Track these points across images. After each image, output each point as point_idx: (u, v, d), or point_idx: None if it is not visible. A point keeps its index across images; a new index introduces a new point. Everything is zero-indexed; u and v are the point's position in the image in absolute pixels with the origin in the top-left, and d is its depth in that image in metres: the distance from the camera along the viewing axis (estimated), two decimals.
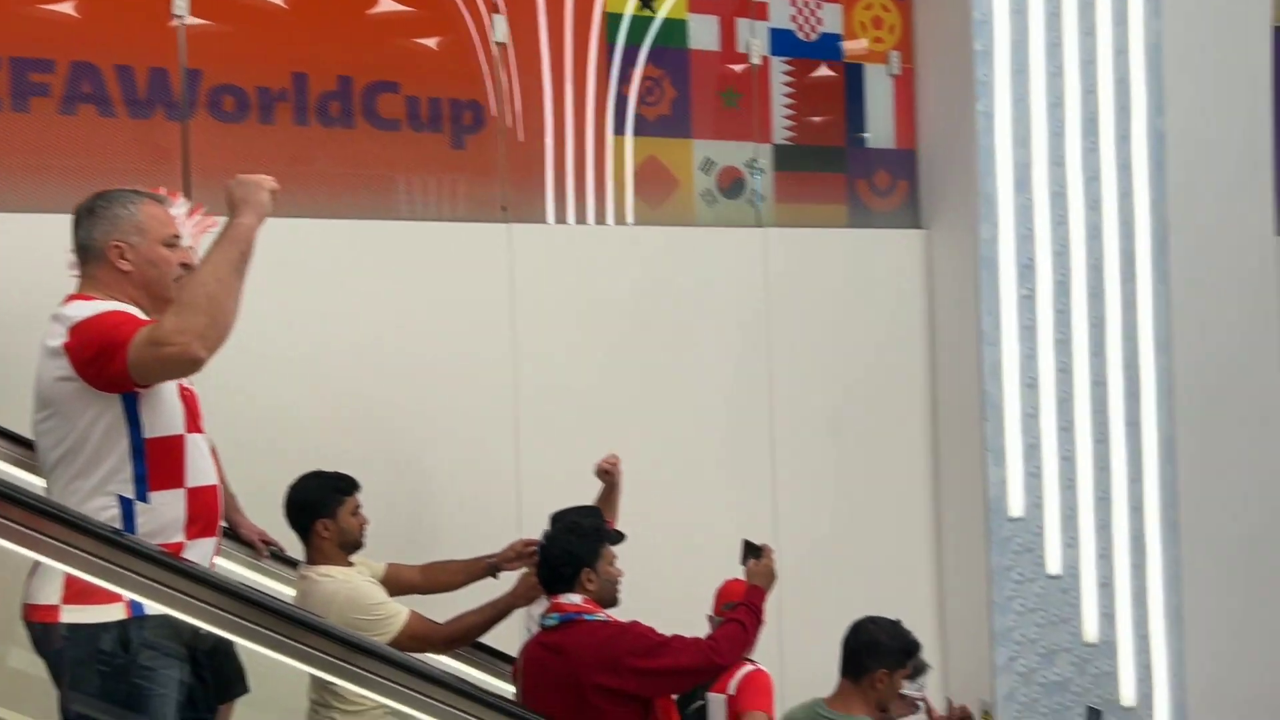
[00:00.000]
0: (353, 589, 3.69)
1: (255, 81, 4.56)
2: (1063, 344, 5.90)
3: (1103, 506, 5.99)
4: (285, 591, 3.82)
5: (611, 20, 5.31)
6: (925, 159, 6.05)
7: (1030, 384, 5.83)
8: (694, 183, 5.52)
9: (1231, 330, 6.26)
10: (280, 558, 3.95)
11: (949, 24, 5.86)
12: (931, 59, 6.00)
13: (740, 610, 3.68)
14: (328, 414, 4.48)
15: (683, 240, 5.41)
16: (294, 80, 4.63)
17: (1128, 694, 6.04)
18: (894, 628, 4.09)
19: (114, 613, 2.74)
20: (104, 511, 2.76)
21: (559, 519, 3.75)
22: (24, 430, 3.13)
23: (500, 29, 5.02)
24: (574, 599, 3.53)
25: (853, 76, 5.98)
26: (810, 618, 5.02)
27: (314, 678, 3.47)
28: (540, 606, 3.71)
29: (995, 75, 5.75)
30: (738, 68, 5.65)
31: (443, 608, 3.85)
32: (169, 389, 2.84)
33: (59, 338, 2.78)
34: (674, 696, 3.70)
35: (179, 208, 3.52)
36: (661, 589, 4.24)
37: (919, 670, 4.29)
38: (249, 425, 4.07)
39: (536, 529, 3.79)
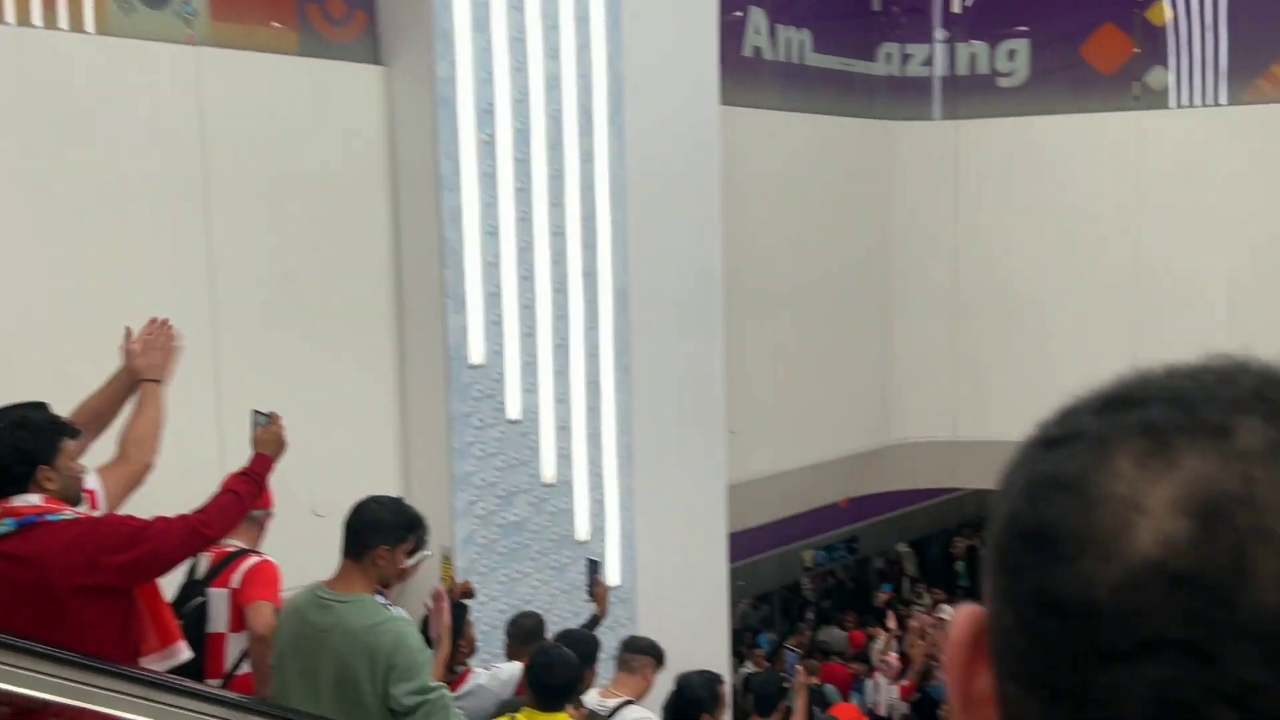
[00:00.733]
0: None
1: None
2: (523, 193, 5.94)
3: (561, 353, 6.17)
4: None
5: None
6: None
7: (491, 231, 5.85)
8: None
9: (678, 181, 6.57)
10: None
11: None
12: None
13: (238, 479, 3.43)
14: None
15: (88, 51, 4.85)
16: None
17: (582, 529, 6.33)
18: (396, 504, 4.02)
19: None
20: None
21: (3, 415, 3.30)
22: None
23: None
24: (32, 499, 3.15)
25: None
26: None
27: None
28: None
29: None
30: None
31: None
32: None
33: None
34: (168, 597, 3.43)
35: None
36: None
37: (420, 544, 4.26)
38: None
39: None
